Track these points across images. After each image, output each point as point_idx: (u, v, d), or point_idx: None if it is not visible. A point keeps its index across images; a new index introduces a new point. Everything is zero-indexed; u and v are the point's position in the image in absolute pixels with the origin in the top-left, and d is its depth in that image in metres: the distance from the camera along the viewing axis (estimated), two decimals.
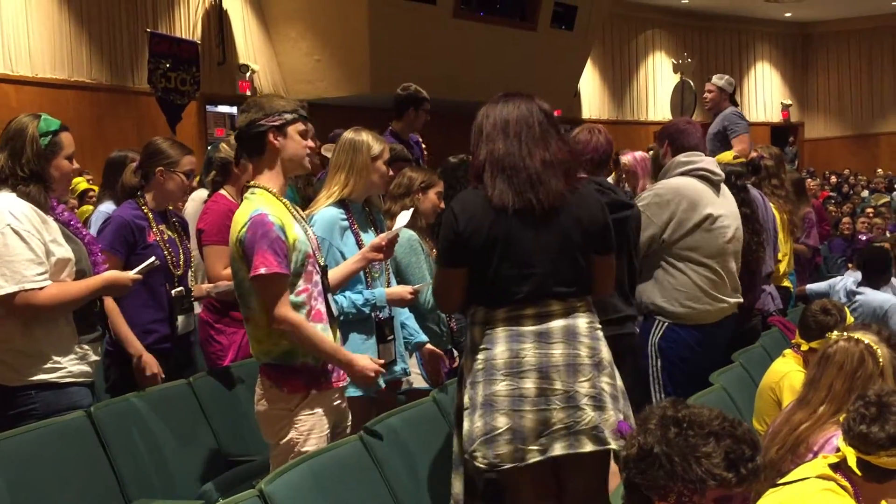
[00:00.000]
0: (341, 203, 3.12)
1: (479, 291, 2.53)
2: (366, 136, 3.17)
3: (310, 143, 2.68)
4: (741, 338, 4.09)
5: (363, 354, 2.70)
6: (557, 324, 2.44)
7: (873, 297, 5.23)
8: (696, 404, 1.71)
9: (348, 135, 3.19)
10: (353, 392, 2.98)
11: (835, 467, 2.08)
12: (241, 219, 2.54)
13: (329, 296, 2.69)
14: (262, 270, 2.47)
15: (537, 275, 2.43)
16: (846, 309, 3.54)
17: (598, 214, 2.51)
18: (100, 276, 2.89)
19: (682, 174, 3.71)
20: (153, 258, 3.04)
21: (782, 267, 5.08)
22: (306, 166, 2.72)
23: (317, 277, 2.63)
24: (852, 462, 2.04)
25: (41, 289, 2.72)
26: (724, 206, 3.73)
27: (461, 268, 2.51)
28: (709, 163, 3.75)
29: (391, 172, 3.32)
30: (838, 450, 2.12)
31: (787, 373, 3.34)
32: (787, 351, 3.54)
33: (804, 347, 3.37)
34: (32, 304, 2.71)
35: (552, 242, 2.44)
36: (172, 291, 3.38)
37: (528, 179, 2.42)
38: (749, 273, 4.12)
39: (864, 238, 7.95)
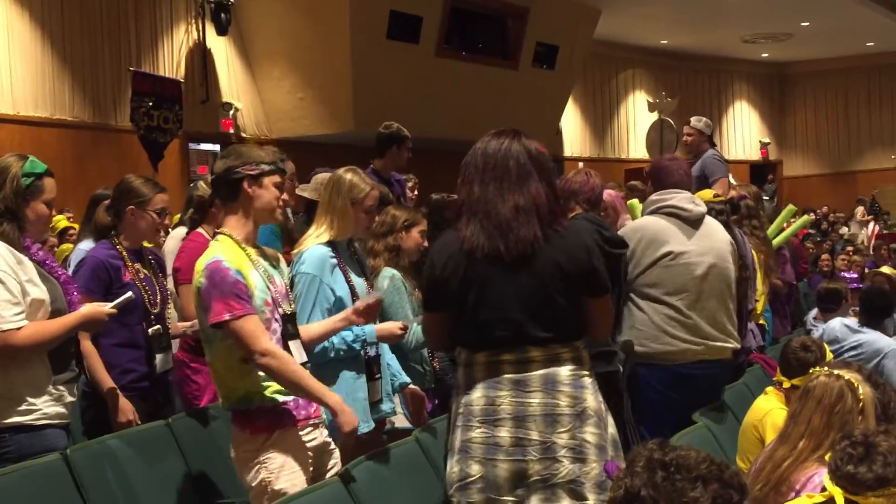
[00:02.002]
0: (329, 243, 3.13)
1: (460, 334, 2.51)
2: (351, 178, 3.18)
3: (284, 196, 2.71)
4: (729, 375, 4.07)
5: (346, 411, 2.66)
6: (536, 372, 2.38)
7: (878, 339, 5.14)
8: (684, 445, 1.69)
9: (338, 173, 3.22)
10: None
11: None
12: (199, 265, 2.58)
13: (293, 343, 2.68)
14: (227, 316, 2.49)
15: (513, 320, 2.38)
16: (826, 346, 3.56)
17: (580, 257, 2.41)
18: (77, 313, 2.85)
19: (651, 212, 3.73)
20: (129, 293, 3.02)
21: (759, 306, 5.12)
22: (277, 217, 2.73)
23: (275, 325, 2.63)
24: (840, 502, 2.03)
25: (19, 329, 2.68)
26: (696, 243, 3.64)
27: (442, 311, 2.50)
28: (681, 199, 3.69)
29: (375, 218, 3.32)
30: (823, 489, 2.11)
31: (769, 410, 3.34)
32: (769, 388, 3.55)
33: (786, 385, 3.39)
34: (10, 345, 2.67)
35: (528, 287, 2.37)
36: (150, 330, 3.36)
37: (498, 226, 2.37)
38: (736, 311, 4.12)
39: (845, 276, 7.99)
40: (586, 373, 2.44)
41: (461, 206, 2.47)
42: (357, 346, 3.09)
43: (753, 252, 4.91)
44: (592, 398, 2.41)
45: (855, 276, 7.82)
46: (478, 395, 2.39)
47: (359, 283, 3.18)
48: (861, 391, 2.55)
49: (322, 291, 3.03)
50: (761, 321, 5.19)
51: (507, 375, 2.38)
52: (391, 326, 3.20)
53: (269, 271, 2.68)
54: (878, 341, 5.10)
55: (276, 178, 2.66)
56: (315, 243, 3.10)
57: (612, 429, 2.49)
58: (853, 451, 2.05)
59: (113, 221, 3.44)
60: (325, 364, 3.02)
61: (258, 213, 2.66)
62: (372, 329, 3.14)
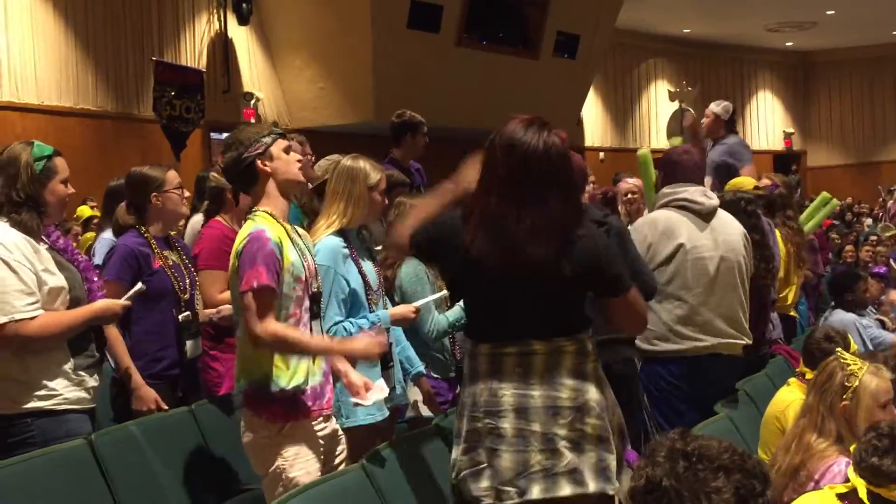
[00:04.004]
0: (340, 232, 3.13)
1: (468, 324, 2.54)
2: (363, 164, 3.17)
3: (295, 155, 2.71)
4: (751, 367, 4.03)
5: (362, 340, 2.67)
6: (538, 365, 2.37)
7: (835, 318, 5.37)
8: (706, 435, 1.68)
9: (346, 162, 3.19)
10: (355, 422, 2.98)
11: (842, 497, 2.06)
12: (241, 236, 2.58)
13: (315, 322, 2.70)
14: (254, 284, 2.49)
15: (516, 315, 2.38)
16: (849, 336, 3.53)
17: (590, 265, 2.36)
18: (91, 306, 2.88)
19: (662, 206, 3.68)
20: (140, 284, 3.05)
21: (790, 297, 5.05)
22: (301, 179, 2.74)
23: (306, 304, 2.64)
24: (863, 494, 2.02)
25: (32, 318, 2.71)
26: (708, 237, 3.59)
27: (427, 251, 2.55)
28: (693, 192, 3.63)
29: (387, 200, 3.33)
30: (846, 479, 2.10)
31: (791, 402, 3.32)
32: (792, 380, 3.52)
33: (809, 376, 3.35)
34: (22, 335, 2.69)
35: (533, 287, 2.36)
36: (180, 316, 3.38)
37: (511, 245, 2.32)
38: (758, 302, 4.08)
39: (876, 271, 7.86)
40: (590, 364, 2.43)
41: (472, 208, 2.40)
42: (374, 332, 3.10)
43: (781, 243, 4.86)
44: (595, 390, 2.40)
45: (883, 270, 7.71)
46: (481, 386, 2.40)
47: (369, 268, 3.19)
48: (859, 375, 2.56)
49: (337, 283, 3.04)
50: (792, 313, 5.14)
51: (508, 367, 2.38)
52: (404, 310, 3.21)
53: (303, 248, 2.70)
54: (833, 321, 5.24)
55: (282, 143, 2.68)
56: (327, 234, 3.11)
57: (618, 417, 2.48)
58: (878, 444, 2.03)
59: (137, 217, 3.46)
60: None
61: (283, 184, 2.66)
62: (386, 314, 3.15)
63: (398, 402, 3.30)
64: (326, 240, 3.09)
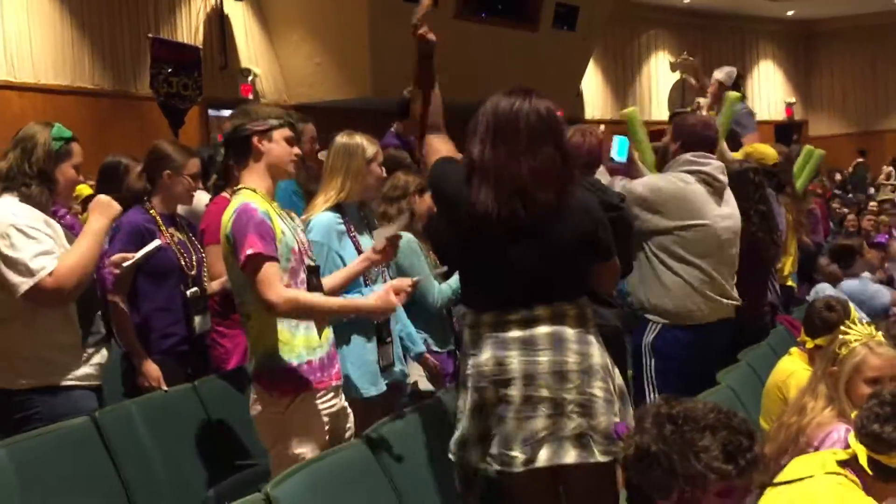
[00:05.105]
0: (337, 207, 3.12)
1: (467, 294, 2.54)
2: (359, 139, 3.18)
3: (296, 149, 2.71)
4: (752, 336, 4.06)
5: (373, 296, 2.71)
6: (543, 330, 2.39)
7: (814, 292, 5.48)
8: (691, 398, 1.70)
9: (341, 139, 3.19)
10: (349, 395, 2.99)
11: (843, 463, 2.07)
12: (227, 214, 2.58)
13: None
14: (249, 251, 2.47)
15: (521, 281, 2.39)
16: (850, 305, 3.54)
17: (588, 229, 2.44)
18: (91, 218, 2.89)
19: (685, 172, 3.69)
20: (157, 241, 3.09)
21: (787, 267, 5.07)
22: (290, 171, 2.73)
23: (303, 276, 2.64)
24: (863, 460, 2.03)
25: (52, 272, 2.71)
26: (720, 211, 3.68)
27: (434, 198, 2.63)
28: (715, 168, 3.70)
29: (385, 173, 3.33)
30: (846, 445, 2.11)
31: (793, 371, 3.33)
32: (794, 349, 3.53)
33: (810, 345, 3.37)
34: (48, 288, 2.70)
35: (537, 251, 2.38)
36: (188, 292, 3.40)
37: (515, 190, 2.34)
38: (762, 271, 4.10)
39: (879, 240, 7.85)
40: (592, 329, 2.47)
41: (472, 168, 2.42)
42: None
43: (786, 213, 4.88)
44: (598, 353, 2.44)
45: (884, 239, 7.70)
46: (487, 355, 2.41)
47: (367, 244, 3.18)
48: (851, 344, 2.59)
49: (331, 259, 3.03)
50: (790, 282, 5.17)
51: (513, 334, 2.40)
52: (400, 283, 3.21)
53: (293, 225, 2.71)
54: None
55: (287, 133, 2.68)
56: (323, 209, 3.10)
57: (618, 380, 2.52)
58: (879, 411, 2.04)
59: (147, 187, 3.46)
60: (336, 328, 3.02)
61: (272, 168, 2.67)
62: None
63: (397, 378, 3.30)
64: (321, 215, 3.08)
